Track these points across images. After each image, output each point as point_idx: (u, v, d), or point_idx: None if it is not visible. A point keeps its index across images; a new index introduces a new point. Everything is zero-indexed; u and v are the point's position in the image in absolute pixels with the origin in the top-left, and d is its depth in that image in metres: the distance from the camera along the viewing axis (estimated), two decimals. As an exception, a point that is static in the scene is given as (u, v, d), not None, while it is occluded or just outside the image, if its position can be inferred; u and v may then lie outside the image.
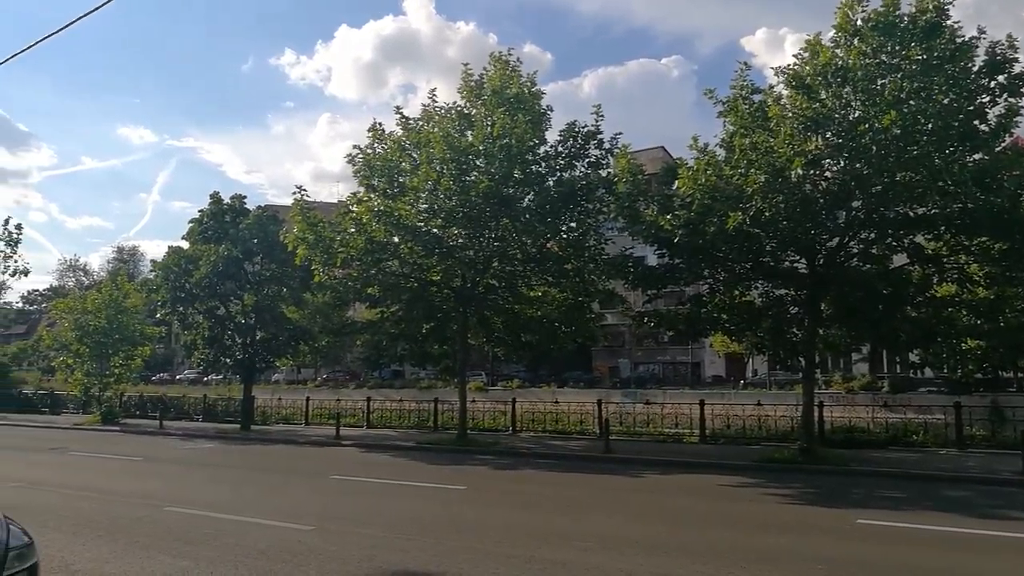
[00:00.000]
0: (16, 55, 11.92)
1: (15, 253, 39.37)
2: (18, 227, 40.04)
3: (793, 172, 15.87)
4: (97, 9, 9.40)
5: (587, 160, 22.46)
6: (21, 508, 7.07)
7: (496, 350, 26.64)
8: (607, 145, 22.25)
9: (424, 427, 26.97)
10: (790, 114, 16.76)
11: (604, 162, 22.60)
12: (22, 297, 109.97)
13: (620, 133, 22.21)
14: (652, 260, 21.98)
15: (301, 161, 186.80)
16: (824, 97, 16.63)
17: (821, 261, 18.18)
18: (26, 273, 39.39)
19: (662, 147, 60.82)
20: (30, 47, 10.78)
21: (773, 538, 10.16)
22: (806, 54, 17.09)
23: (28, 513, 6.87)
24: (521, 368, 62.87)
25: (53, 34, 10.62)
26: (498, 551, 9.21)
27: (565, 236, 22.85)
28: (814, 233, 17.50)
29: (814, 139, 16.61)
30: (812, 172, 16.63)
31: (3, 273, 39.49)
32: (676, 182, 18.30)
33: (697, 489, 14.65)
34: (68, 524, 10.77)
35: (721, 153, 18.27)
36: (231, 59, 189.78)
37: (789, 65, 17.14)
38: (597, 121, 22.15)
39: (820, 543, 9.92)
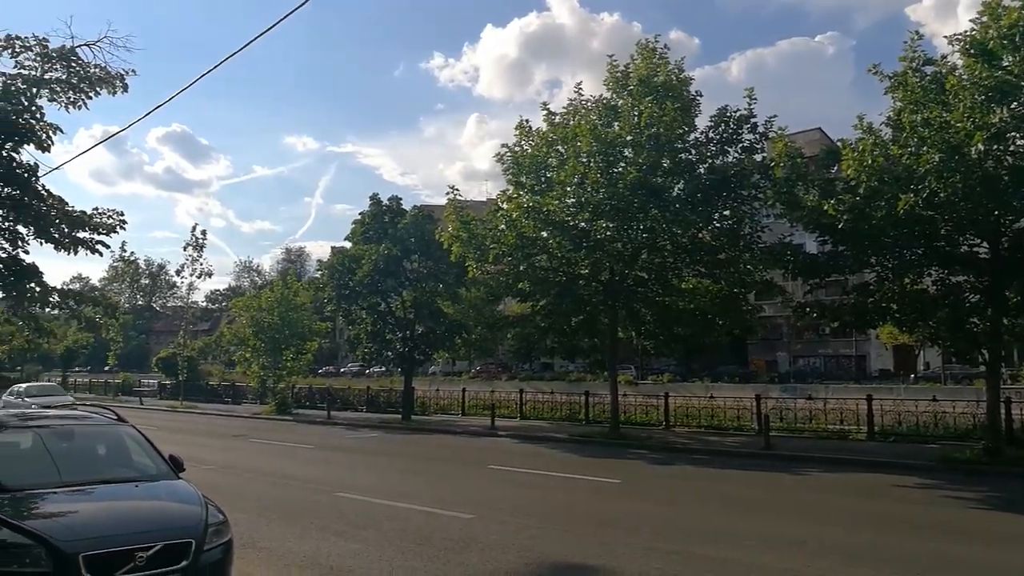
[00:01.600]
0: (201, 77, 13.10)
1: (201, 257, 43.57)
2: (203, 233, 44.23)
3: (973, 148, 14.53)
4: (268, 31, 10.16)
5: (740, 145, 21.71)
6: (213, 489, 7.77)
7: (646, 344, 26.28)
8: (761, 129, 21.41)
9: (575, 420, 27.08)
10: (968, 85, 15.36)
11: (758, 147, 21.78)
12: (206, 297, 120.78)
13: (775, 116, 21.33)
14: (812, 247, 20.93)
15: (452, 161, 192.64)
16: (1008, 64, 15.11)
17: (1006, 244, 16.58)
18: (210, 275, 42.89)
19: (819, 129, 57.71)
20: (211, 70, 11.83)
21: (957, 546, 9.41)
22: (985, 18, 15.61)
23: (218, 494, 7.54)
24: (672, 362, 61.78)
25: (230, 57, 11.58)
26: (656, 546, 9.12)
27: (718, 225, 22.20)
28: (997, 214, 15.94)
29: (997, 111, 15.11)
30: (995, 147, 15.13)
31: (191, 275, 43.87)
32: (839, 164, 17.29)
33: (868, 489, 13.81)
34: (252, 505, 11.74)
35: (888, 132, 17.08)
36: (384, 66, 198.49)
37: (966, 32, 15.73)
38: (750, 105, 21.37)
39: (1013, 555, 9.10)
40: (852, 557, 8.66)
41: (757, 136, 21.51)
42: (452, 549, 8.98)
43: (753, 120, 21.38)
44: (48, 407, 25.54)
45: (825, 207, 17.02)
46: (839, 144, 18.65)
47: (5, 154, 17.57)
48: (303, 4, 9.90)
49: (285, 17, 10.68)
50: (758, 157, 21.69)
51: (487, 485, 14.70)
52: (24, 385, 37.06)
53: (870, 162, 15.93)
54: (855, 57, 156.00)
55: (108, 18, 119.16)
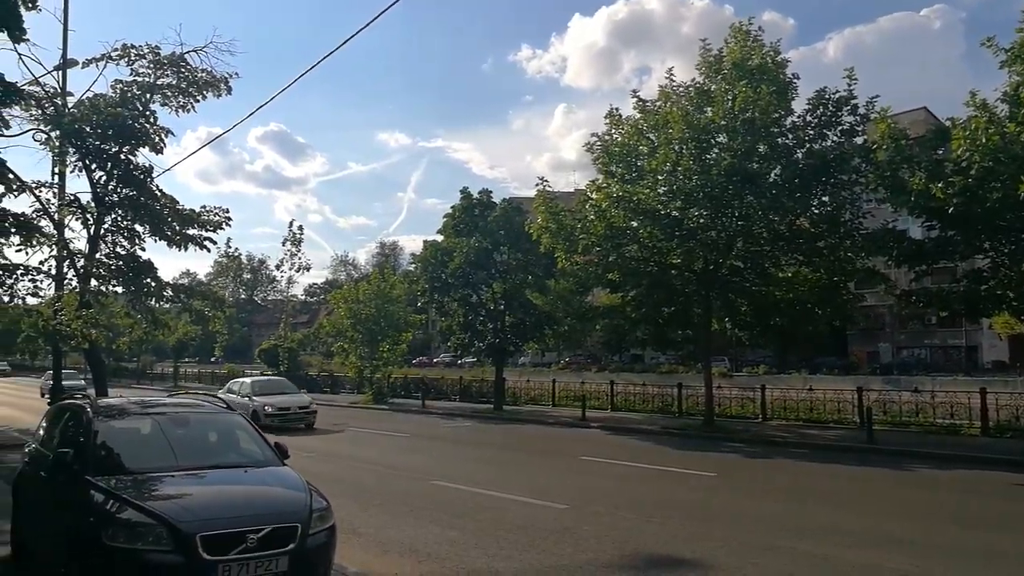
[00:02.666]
0: (300, 77, 13.57)
1: (299, 252, 45.21)
2: (300, 229, 45.88)
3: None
4: (363, 29, 10.41)
5: (839, 128, 20.83)
6: (316, 476, 8.07)
7: (741, 335, 25.62)
8: (862, 111, 20.49)
9: (668, 412, 26.71)
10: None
11: (859, 129, 20.84)
12: (304, 290, 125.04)
13: (877, 96, 20.35)
14: (917, 233, 19.95)
15: (540, 153, 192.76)
16: None
17: None
18: (308, 269, 44.57)
19: (924, 108, 54.79)
20: (309, 70, 12.23)
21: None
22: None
23: (320, 480, 7.82)
24: (767, 354, 60.09)
25: (327, 56, 11.94)
26: (754, 541, 8.92)
27: (817, 211, 21.40)
28: None
29: None
30: None
31: (290, 269, 45.60)
32: (948, 145, 16.39)
33: (984, 487, 13.09)
34: (352, 492, 12.12)
35: (1004, 109, 16.07)
36: (472, 60, 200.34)
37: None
38: (850, 85, 20.47)
39: None
40: (966, 558, 8.24)
41: (858, 118, 20.60)
42: (547, 539, 9.04)
43: (853, 101, 20.48)
44: (286, 411, 24.41)
45: (933, 190, 16.21)
46: (948, 123, 17.72)
47: (123, 157, 18.72)
48: (394, 3, 10.09)
49: (380, 15, 10.94)
50: (859, 140, 20.80)
51: (580, 476, 14.70)
52: (247, 380, 28.51)
53: (984, 141, 15.08)
54: (964, 30, 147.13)
55: (212, 23, 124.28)
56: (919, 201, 16.95)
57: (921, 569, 7.80)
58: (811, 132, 21.00)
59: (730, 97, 20.54)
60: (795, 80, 21.06)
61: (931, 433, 19.79)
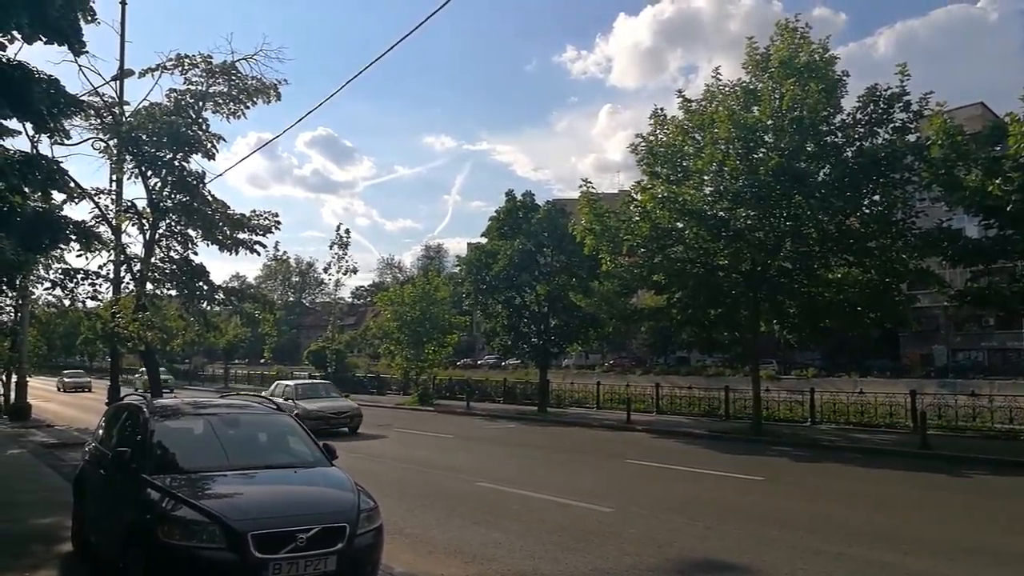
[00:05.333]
0: (349, 83, 13.80)
1: (346, 254, 45.84)
2: (347, 232, 46.49)
3: None
4: (410, 34, 10.54)
5: (891, 126, 20.34)
6: (362, 476, 8.18)
7: (789, 337, 25.19)
8: (915, 107, 19.98)
9: (714, 415, 26.39)
10: None
11: (911, 126, 20.33)
12: (351, 293, 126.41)
13: (931, 92, 19.82)
14: (973, 232, 19.37)
15: (584, 154, 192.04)
16: None
17: None
18: (355, 271, 45.14)
19: (980, 103, 53.04)
20: (358, 75, 12.42)
21: None
22: None
23: (368, 481, 7.92)
24: (816, 356, 58.89)
25: (376, 60, 12.12)
26: (803, 545, 8.78)
27: (868, 211, 20.93)
28: None
29: None
30: None
31: (338, 272, 46.24)
32: (1006, 141, 15.91)
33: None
34: (397, 492, 12.25)
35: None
36: (516, 62, 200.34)
37: None
38: (902, 81, 19.98)
39: None
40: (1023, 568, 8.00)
41: (910, 115, 20.09)
42: (592, 542, 9.02)
43: (906, 98, 19.99)
44: (326, 417, 22.79)
45: (990, 187, 15.77)
46: (1006, 119, 17.20)
47: (177, 163, 19.26)
48: (443, 6, 10.19)
49: (426, 20, 11.06)
50: (911, 137, 20.28)
51: (625, 479, 14.62)
52: (289, 383, 28.03)
53: (1042, 137, 14.59)
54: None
55: (261, 30, 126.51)
56: (975, 199, 16.52)
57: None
58: (861, 130, 20.56)
59: (777, 96, 20.26)
60: (844, 77, 20.67)
61: (989, 438, 19.21)
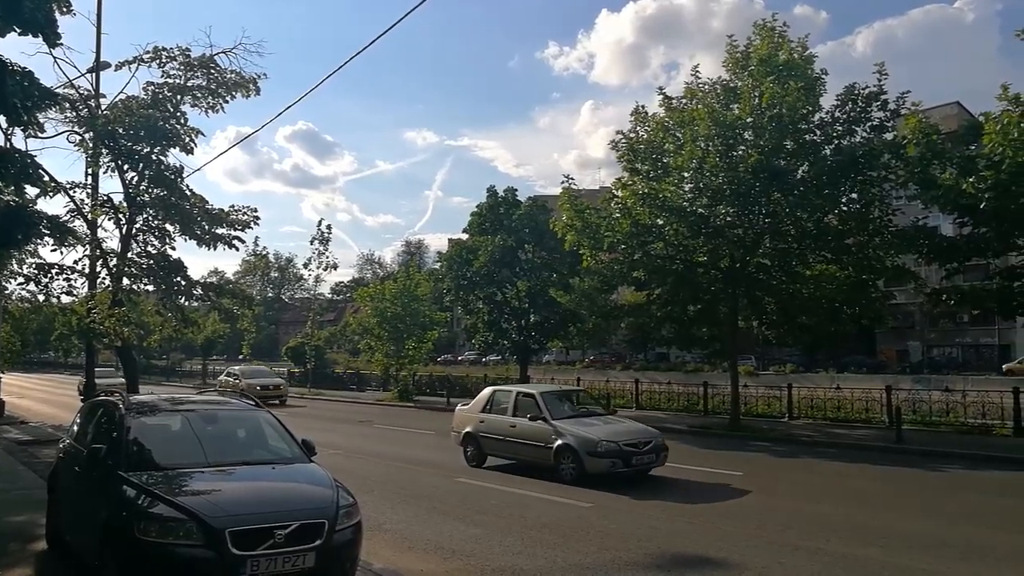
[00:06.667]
0: (328, 76, 13.69)
1: (326, 250, 45.56)
2: (328, 227, 46.20)
3: None
4: (392, 28, 10.47)
5: (869, 124, 20.55)
6: (341, 472, 8.16)
7: (768, 333, 25.38)
8: (892, 106, 20.20)
9: (693, 411, 26.53)
10: None
11: (889, 125, 20.55)
12: (331, 288, 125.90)
13: (908, 92, 20.05)
14: (948, 230, 19.62)
15: (566, 151, 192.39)
16: None
17: None
18: (335, 267, 44.79)
19: (956, 103, 53.81)
20: (338, 69, 12.33)
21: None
22: None
23: (346, 477, 7.89)
24: (794, 352, 59.43)
25: (355, 55, 12.04)
26: (781, 540, 8.87)
27: (845, 208, 21.13)
28: None
29: None
30: None
31: (318, 267, 45.93)
32: (981, 140, 16.12)
33: (1015, 489, 12.88)
34: (378, 488, 12.22)
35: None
36: (499, 58, 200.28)
37: None
38: (880, 81, 20.19)
39: None
40: (995, 560, 8.14)
41: (888, 114, 20.31)
42: (571, 537, 9.05)
43: (883, 97, 20.20)
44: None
45: (964, 186, 15.96)
46: (980, 118, 17.43)
47: (155, 158, 19.04)
48: (421, 3, 10.15)
49: (408, 14, 11.01)
50: (888, 136, 20.50)
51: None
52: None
53: (1016, 135, 14.82)
54: (1001, 23, 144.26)
55: (241, 24, 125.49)
56: (949, 197, 16.71)
57: (951, 570, 7.72)
58: (839, 128, 20.73)
59: (757, 94, 20.37)
60: (823, 76, 20.84)
61: (962, 433, 19.48)
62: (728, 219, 21.19)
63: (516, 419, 14.12)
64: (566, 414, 14.11)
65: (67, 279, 19.41)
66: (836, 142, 20.72)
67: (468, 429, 15.32)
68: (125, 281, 20.17)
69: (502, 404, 14.93)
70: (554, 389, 16.30)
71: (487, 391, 16.05)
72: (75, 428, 8.72)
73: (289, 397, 36.11)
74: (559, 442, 12.93)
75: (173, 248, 20.59)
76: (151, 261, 20.36)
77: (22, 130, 14.11)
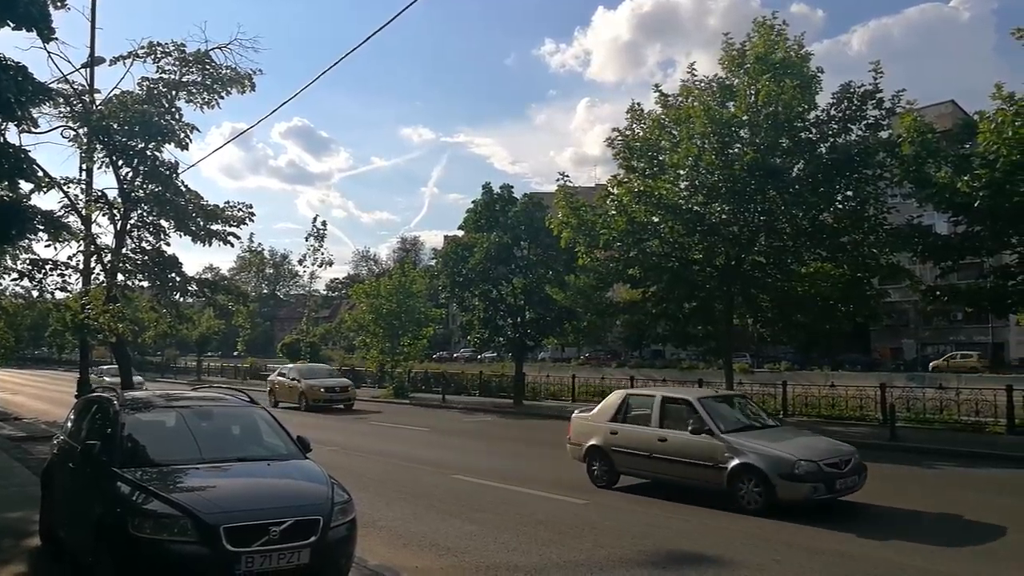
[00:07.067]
0: (324, 72, 13.66)
1: (322, 247, 45.59)
2: (324, 224, 46.27)
3: None
4: (387, 24, 10.47)
5: (864, 123, 20.62)
6: (336, 469, 8.14)
7: (763, 331, 25.43)
8: (887, 104, 20.25)
9: (689, 408, 26.61)
10: None
11: (884, 123, 20.62)
12: (326, 285, 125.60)
13: (903, 90, 20.12)
14: (943, 228, 19.67)
15: (562, 148, 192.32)
16: None
17: None
18: (330, 264, 44.77)
19: (951, 101, 53.90)
20: (334, 65, 12.32)
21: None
22: None
23: (341, 474, 7.88)
24: (789, 350, 59.48)
25: (351, 52, 12.03)
26: (775, 537, 8.90)
27: (840, 206, 21.19)
28: None
29: None
30: None
31: (313, 264, 45.95)
32: (976, 138, 16.16)
33: (1010, 486, 12.95)
34: (373, 485, 12.21)
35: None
36: (495, 55, 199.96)
37: None
38: (876, 79, 20.25)
39: None
40: (991, 558, 8.16)
41: (883, 112, 20.38)
42: (567, 534, 9.06)
43: (879, 95, 20.25)
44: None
45: (958, 184, 16.00)
46: (975, 117, 17.47)
47: (149, 153, 18.96)
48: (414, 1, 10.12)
49: (404, 10, 10.99)
50: (884, 134, 20.57)
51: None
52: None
53: (1010, 134, 14.85)
54: (997, 21, 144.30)
55: (237, 20, 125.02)
56: (944, 195, 16.75)
57: (945, 569, 7.75)
58: (835, 126, 20.79)
59: (753, 92, 20.40)
60: (819, 74, 20.88)
61: (955, 430, 19.57)
62: (724, 217, 21.22)
63: (666, 431, 11.53)
64: (737, 425, 11.44)
65: (61, 275, 19.30)
66: (831, 140, 20.78)
67: (595, 442, 12.44)
68: (120, 277, 20.10)
69: (641, 412, 12.25)
70: (712, 394, 14.35)
71: (616, 395, 13.38)
72: (69, 424, 8.68)
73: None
74: (736, 461, 10.41)
75: (168, 244, 20.49)
76: (146, 257, 20.28)
77: (16, 125, 14.07)
